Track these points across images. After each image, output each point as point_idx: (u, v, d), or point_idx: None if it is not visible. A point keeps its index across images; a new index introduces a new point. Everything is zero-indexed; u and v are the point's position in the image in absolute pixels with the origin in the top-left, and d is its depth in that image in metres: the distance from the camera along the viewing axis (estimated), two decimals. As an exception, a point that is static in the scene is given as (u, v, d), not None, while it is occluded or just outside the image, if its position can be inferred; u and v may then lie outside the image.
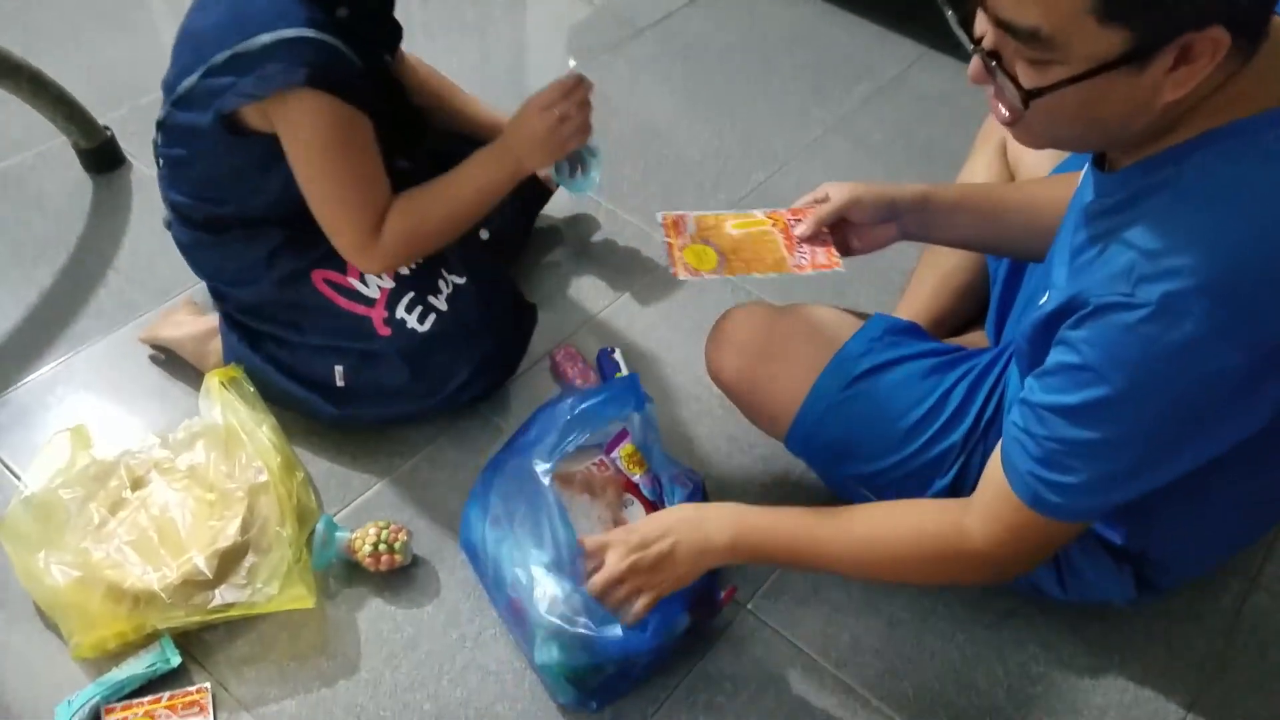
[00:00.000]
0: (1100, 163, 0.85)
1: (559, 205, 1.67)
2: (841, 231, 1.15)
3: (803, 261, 1.15)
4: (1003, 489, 0.88)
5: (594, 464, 1.23)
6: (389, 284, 1.26)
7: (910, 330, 1.19)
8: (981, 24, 0.75)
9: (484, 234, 1.42)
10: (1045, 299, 0.88)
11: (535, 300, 1.49)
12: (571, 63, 1.08)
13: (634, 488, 1.19)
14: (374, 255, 1.19)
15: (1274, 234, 0.71)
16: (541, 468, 1.09)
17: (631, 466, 1.18)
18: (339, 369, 1.28)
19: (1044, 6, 0.67)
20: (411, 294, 1.25)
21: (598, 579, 1.02)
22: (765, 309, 1.20)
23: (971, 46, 0.76)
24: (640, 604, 1.02)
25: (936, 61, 2.02)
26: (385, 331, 1.25)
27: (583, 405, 1.12)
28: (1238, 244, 0.70)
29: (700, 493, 1.21)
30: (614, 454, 1.19)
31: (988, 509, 0.90)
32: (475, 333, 1.28)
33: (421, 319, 1.25)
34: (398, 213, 1.18)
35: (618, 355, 1.47)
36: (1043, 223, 1.11)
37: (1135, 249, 0.73)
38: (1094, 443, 0.80)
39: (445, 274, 1.28)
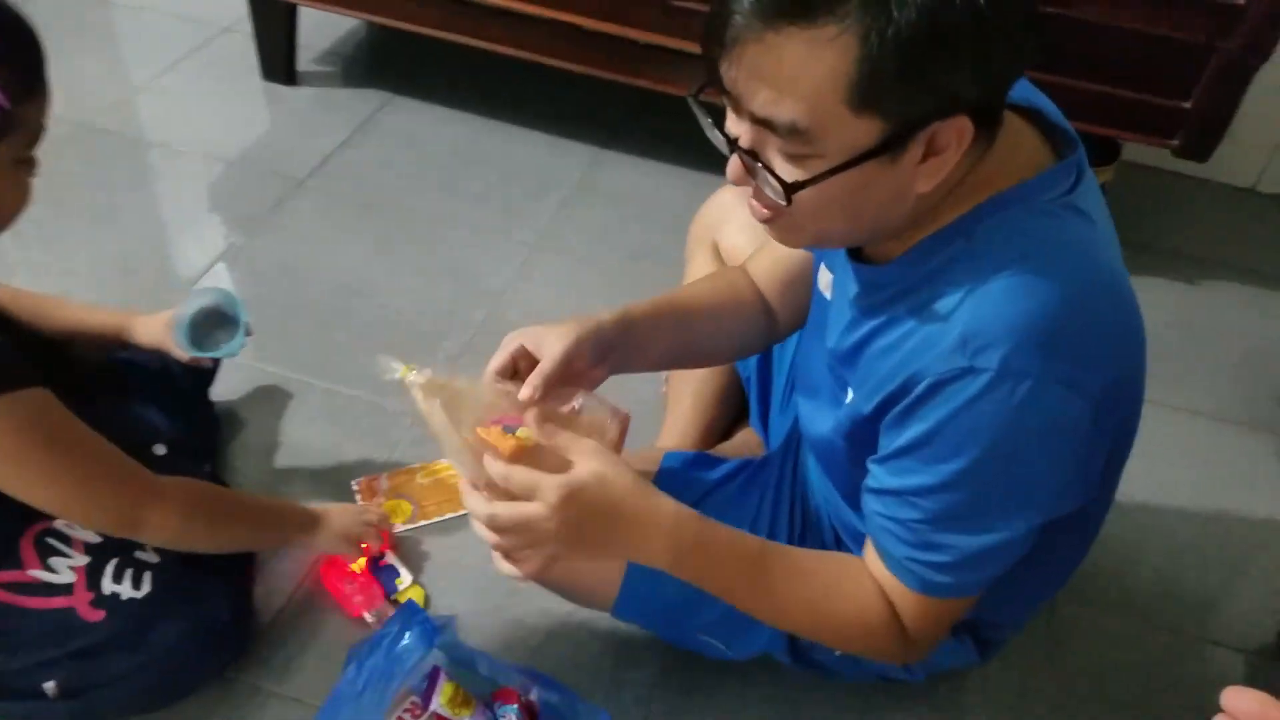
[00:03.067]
0: (859, 257, 0.86)
1: (273, 389, 1.47)
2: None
3: None
4: (889, 580, 0.85)
5: (406, 709, 1.07)
6: (82, 559, 1.04)
7: (698, 462, 1.15)
8: (735, 124, 0.74)
9: (160, 449, 1.20)
10: (850, 397, 0.87)
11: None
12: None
13: (468, 727, 1.04)
14: (157, 510, 1.01)
15: (1081, 281, 0.75)
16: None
17: (458, 710, 1.03)
18: (50, 684, 1.03)
19: (802, 100, 0.68)
20: (115, 560, 1.05)
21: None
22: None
23: (728, 149, 0.75)
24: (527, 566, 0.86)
25: (611, 160, 2.04)
26: (97, 615, 1.03)
27: (368, 667, 0.95)
28: (1054, 297, 0.73)
29: (551, 688, 1.08)
30: (434, 703, 1.03)
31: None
32: (203, 570, 1.09)
33: (136, 582, 1.05)
34: (195, 492, 1.07)
35: (392, 559, 1.30)
36: (728, 319, 1.10)
37: (960, 321, 0.74)
38: (962, 515, 0.79)
39: None
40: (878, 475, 0.83)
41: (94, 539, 1.05)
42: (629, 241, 1.86)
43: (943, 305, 0.76)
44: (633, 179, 2.00)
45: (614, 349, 0.94)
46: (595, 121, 2.10)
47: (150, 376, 1.32)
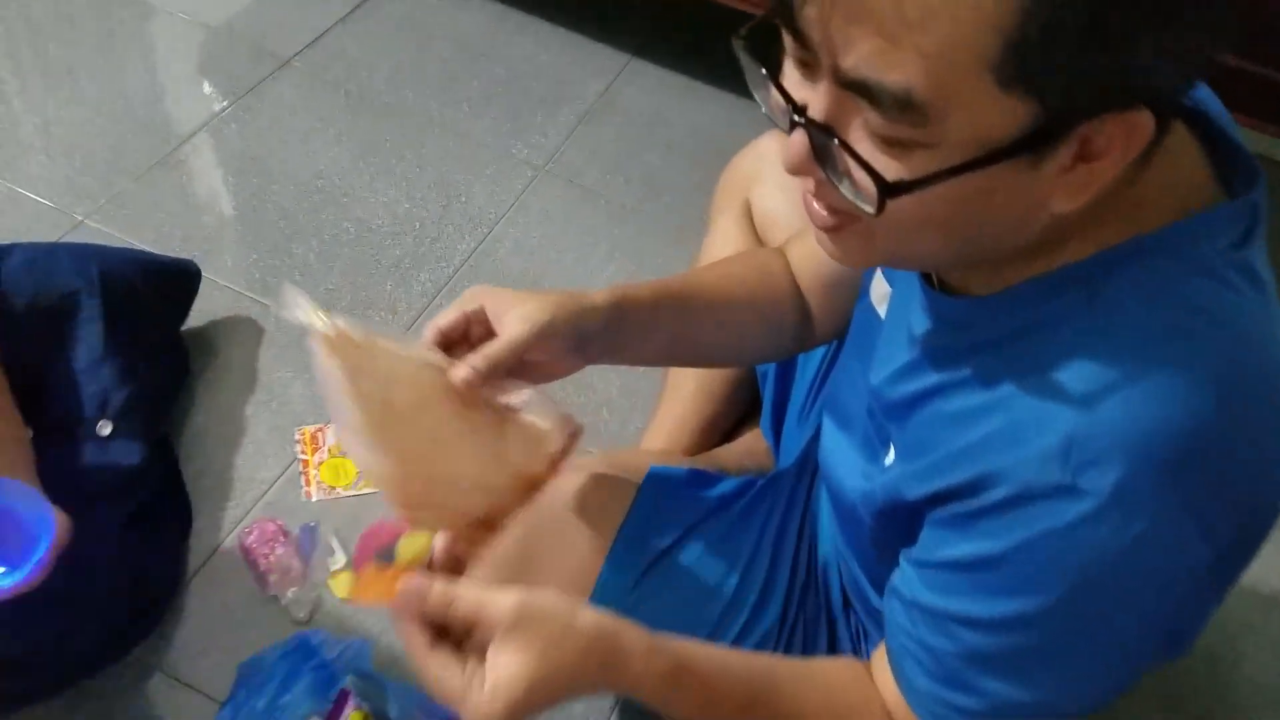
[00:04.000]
0: (933, 280, 0.64)
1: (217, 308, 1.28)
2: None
3: None
4: (903, 710, 0.67)
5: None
6: None
7: (690, 482, 0.95)
8: (804, 87, 0.51)
9: (105, 428, 1.02)
10: (890, 459, 0.67)
11: (204, 451, 1.12)
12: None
13: (374, 767, 0.88)
14: None
15: (1243, 382, 0.53)
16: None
17: (366, 743, 0.87)
18: None
19: (927, 59, 0.45)
20: None
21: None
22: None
23: (787, 122, 0.51)
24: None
25: (640, 73, 1.78)
26: None
27: (245, 712, 0.77)
28: (1203, 402, 0.51)
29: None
30: (339, 732, 0.88)
31: None
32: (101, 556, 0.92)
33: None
34: None
35: (324, 532, 1.13)
36: (751, 320, 0.89)
37: (1066, 415, 0.53)
38: (1011, 662, 0.60)
39: None
40: (912, 582, 0.63)
41: None
42: (648, 173, 1.62)
43: (1044, 383, 0.54)
44: (663, 98, 1.75)
45: (594, 340, 0.76)
46: (628, 24, 1.83)
47: (118, 304, 1.12)
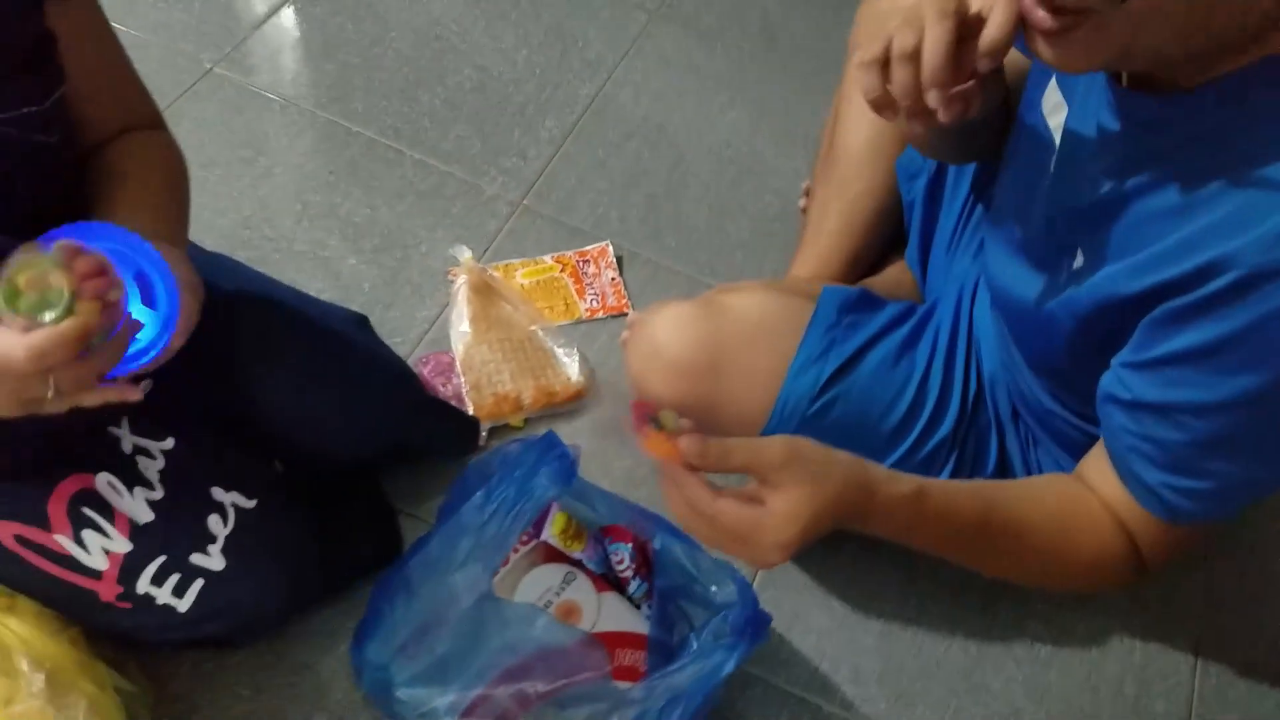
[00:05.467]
0: (1119, 80, 0.66)
1: (354, 151, 1.30)
2: None
3: (594, 305, 1.25)
4: (1126, 506, 0.72)
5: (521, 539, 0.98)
6: (122, 545, 0.81)
7: (862, 302, 1.00)
8: None
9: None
10: (1079, 263, 0.71)
11: (362, 292, 1.16)
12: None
13: (577, 564, 0.95)
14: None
15: None
16: (477, 587, 0.82)
17: (569, 543, 0.94)
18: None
19: None
20: (162, 559, 0.82)
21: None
22: (693, 312, 0.95)
23: None
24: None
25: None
26: (123, 605, 0.83)
27: (497, 498, 0.83)
28: None
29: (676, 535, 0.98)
30: (545, 532, 0.94)
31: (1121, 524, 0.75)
32: (288, 569, 0.88)
33: (179, 591, 0.82)
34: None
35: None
36: None
37: None
38: (1242, 442, 0.65)
39: (220, 503, 0.85)
40: (1134, 385, 0.67)
41: (142, 516, 0.82)
42: (766, 19, 1.61)
43: (1264, 172, 0.57)
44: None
45: None
46: None
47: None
